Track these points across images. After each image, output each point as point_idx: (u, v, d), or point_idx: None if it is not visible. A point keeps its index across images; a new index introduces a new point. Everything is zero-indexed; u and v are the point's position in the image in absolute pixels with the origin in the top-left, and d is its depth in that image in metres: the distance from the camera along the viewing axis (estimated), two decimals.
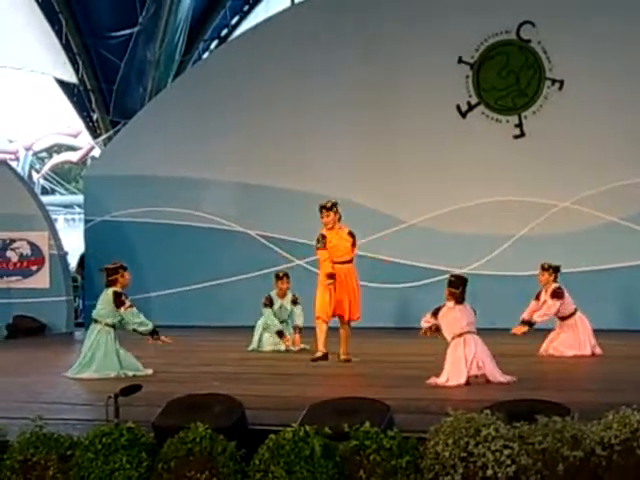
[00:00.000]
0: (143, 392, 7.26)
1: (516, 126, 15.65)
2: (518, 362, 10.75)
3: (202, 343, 14.17)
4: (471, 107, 15.85)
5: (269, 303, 12.97)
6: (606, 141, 15.02)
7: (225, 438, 6.37)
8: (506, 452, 5.87)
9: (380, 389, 8.99)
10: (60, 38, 21.92)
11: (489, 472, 5.85)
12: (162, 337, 10.76)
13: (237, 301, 15.35)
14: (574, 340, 11.82)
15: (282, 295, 13.05)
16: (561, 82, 15.41)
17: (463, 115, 15.87)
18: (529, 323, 11.67)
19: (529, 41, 15.54)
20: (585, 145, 15.10)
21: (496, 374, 9.44)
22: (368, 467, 6.14)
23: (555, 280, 12.07)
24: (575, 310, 11.98)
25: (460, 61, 15.81)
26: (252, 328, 13.17)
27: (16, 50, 23.05)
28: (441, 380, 9.38)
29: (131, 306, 10.61)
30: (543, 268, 12.13)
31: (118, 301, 10.54)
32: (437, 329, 9.80)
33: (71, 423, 7.53)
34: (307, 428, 6.24)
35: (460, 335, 9.51)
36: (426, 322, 9.87)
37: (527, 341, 12.05)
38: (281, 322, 13.00)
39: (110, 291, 10.61)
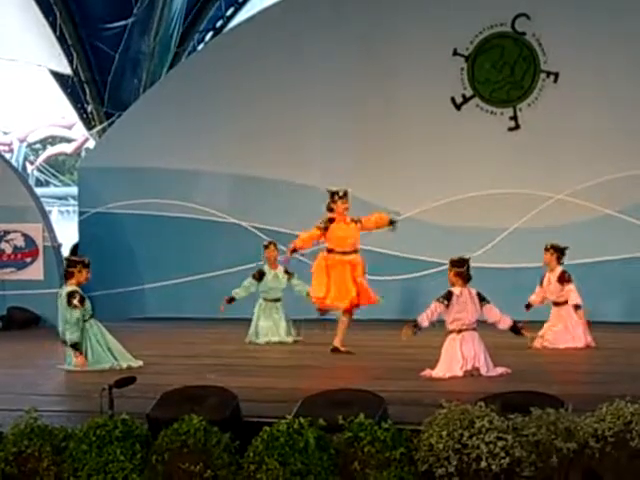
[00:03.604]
0: (137, 384, 7.26)
1: (511, 118, 15.64)
2: (512, 354, 10.76)
3: (196, 335, 14.17)
4: (466, 99, 15.84)
5: (258, 276, 12.95)
6: (601, 133, 15.01)
7: (219, 430, 6.38)
8: (500, 444, 5.89)
9: (374, 381, 9.01)
10: (54, 30, 21.86)
11: (483, 464, 5.86)
12: (79, 357, 10.28)
13: (231, 293, 15.32)
14: (567, 333, 11.82)
15: (273, 263, 13.02)
16: (556, 74, 15.40)
17: (458, 107, 15.85)
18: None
19: (524, 33, 15.53)
20: (580, 137, 15.10)
21: (490, 369, 9.45)
22: (362, 459, 6.15)
23: (559, 261, 12.02)
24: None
25: (455, 53, 15.79)
26: (247, 320, 13.18)
27: (10, 42, 22.99)
28: (437, 373, 9.39)
29: (75, 307, 10.33)
30: (546, 248, 12.09)
31: (70, 299, 10.35)
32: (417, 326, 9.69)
33: (65, 415, 7.54)
34: (301, 420, 6.25)
35: (459, 332, 9.50)
36: (432, 316, 9.74)
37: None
38: (276, 299, 12.97)
39: (64, 292, 10.46)
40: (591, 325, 11.94)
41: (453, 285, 9.64)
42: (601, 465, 5.84)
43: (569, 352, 11.52)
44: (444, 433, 5.98)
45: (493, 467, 5.85)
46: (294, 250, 11.65)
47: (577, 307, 11.81)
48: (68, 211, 31.05)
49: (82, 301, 10.42)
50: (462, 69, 15.82)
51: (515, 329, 9.97)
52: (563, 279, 11.89)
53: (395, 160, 15.88)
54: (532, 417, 6.02)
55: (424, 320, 9.56)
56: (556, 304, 11.98)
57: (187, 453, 6.28)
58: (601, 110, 15.03)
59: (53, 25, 21.81)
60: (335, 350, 11.29)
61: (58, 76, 23.34)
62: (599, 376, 9.68)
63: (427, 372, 9.43)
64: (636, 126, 14.88)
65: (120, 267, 16.71)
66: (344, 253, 11.46)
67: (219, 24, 24.42)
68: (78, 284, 10.53)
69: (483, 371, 9.41)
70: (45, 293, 16.17)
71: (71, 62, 22.32)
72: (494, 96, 15.76)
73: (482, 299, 9.65)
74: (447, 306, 9.53)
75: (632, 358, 10.75)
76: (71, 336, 10.32)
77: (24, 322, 15.86)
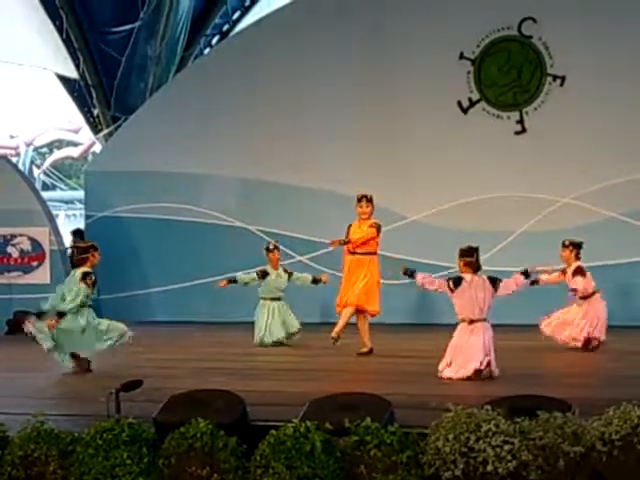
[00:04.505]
0: (144, 388, 7.27)
1: (517, 122, 15.63)
2: (519, 357, 10.77)
3: (203, 339, 14.18)
4: (472, 103, 15.83)
5: (262, 274, 13.11)
6: (607, 137, 15.00)
7: (226, 434, 6.38)
8: (507, 447, 5.88)
9: (381, 384, 9.01)
10: (61, 33, 21.88)
11: (489, 467, 5.86)
12: (52, 322, 10.46)
13: (238, 297, 15.30)
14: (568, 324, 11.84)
15: (275, 265, 13.22)
16: (563, 78, 15.40)
17: (464, 111, 15.85)
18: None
19: (531, 37, 15.52)
20: (586, 141, 15.08)
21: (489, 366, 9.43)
22: (369, 462, 6.15)
23: (577, 256, 12.04)
24: (594, 292, 11.97)
25: (461, 57, 15.79)
26: (253, 324, 13.18)
27: (17, 45, 23.02)
28: (450, 372, 9.35)
29: (88, 285, 10.53)
30: (564, 245, 12.13)
31: (85, 277, 10.54)
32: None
33: (72, 419, 7.54)
34: (308, 424, 6.25)
35: (471, 322, 9.47)
36: (437, 286, 9.75)
37: (528, 337, 12.06)
38: (278, 298, 13.10)
39: (79, 272, 10.61)
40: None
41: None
42: (608, 468, 5.83)
43: (575, 355, 11.51)
44: (451, 437, 5.98)
45: (500, 471, 5.85)
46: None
47: (573, 290, 11.85)
48: (75, 215, 31.11)
49: (94, 284, 10.67)
50: (469, 72, 15.82)
51: (526, 274, 9.99)
52: (576, 272, 11.90)
53: (401, 164, 15.87)
54: (539, 421, 6.01)
55: (425, 279, 9.73)
56: (583, 297, 11.95)
57: (194, 457, 6.28)
58: (607, 113, 15.02)
59: (60, 29, 21.83)
60: (361, 354, 11.48)
61: (64, 80, 23.37)
62: (606, 379, 9.67)
63: (443, 368, 9.40)
64: None
65: (127, 271, 16.74)
66: (354, 253, 11.64)
67: (225, 28, 24.44)
68: (92, 267, 10.72)
69: (493, 368, 9.37)
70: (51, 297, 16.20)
71: (77, 66, 22.34)
72: (500, 100, 15.75)
73: (494, 282, 9.63)
74: (452, 290, 9.53)
75: (637, 361, 10.73)
76: (68, 305, 10.43)
77: None
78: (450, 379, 9.32)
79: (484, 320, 9.51)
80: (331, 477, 6.15)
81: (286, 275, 13.24)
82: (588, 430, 5.93)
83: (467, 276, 9.57)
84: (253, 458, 6.28)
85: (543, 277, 12.09)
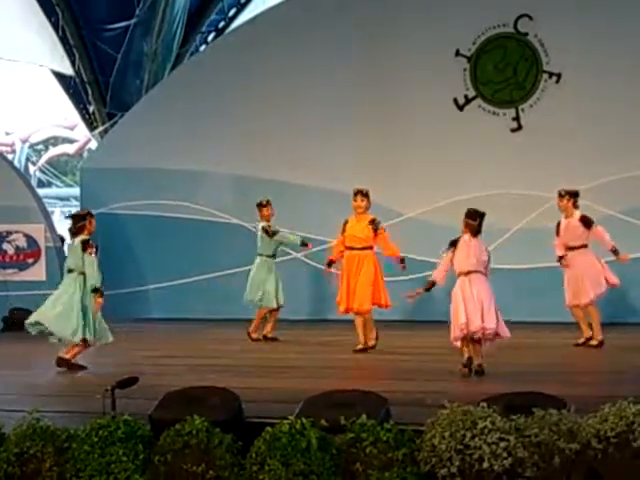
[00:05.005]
0: (140, 385, 7.27)
1: (513, 119, 15.64)
2: (515, 355, 10.77)
3: (199, 336, 14.17)
4: (468, 100, 15.83)
5: (270, 231, 13.19)
6: (603, 134, 15.01)
7: (222, 431, 6.38)
8: (502, 445, 5.88)
9: (377, 381, 9.01)
10: (57, 30, 21.89)
11: (485, 464, 5.86)
12: (98, 299, 10.52)
13: (234, 294, 15.31)
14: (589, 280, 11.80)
15: (268, 221, 13.29)
16: (558, 75, 15.40)
17: (460, 108, 15.85)
18: (615, 251, 11.64)
19: (526, 34, 15.52)
20: (582, 138, 15.08)
21: (493, 321, 9.37)
22: (365, 460, 6.14)
23: (575, 205, 11.98)
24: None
25: (457, 54, 15.80)
26: (249, 321, 13.19)
27: (13, 42, 23.02)
28: (462, 323, 9.30)
29: (91, 253, 10.61)
30: (560, 195, 12.06)
31: (86, 245, 10.61)
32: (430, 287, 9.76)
33: (68, 416, 7.54)
34: (304, 421, 6.24)
35: (467, 274, 9.49)
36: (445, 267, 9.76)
37: (524, 333, 12.06)
38: (273, 255, 13.25)
39: (78, 240, 10.68)
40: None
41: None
42: (603, 466, 5.83)
43: (572, 351, 11.52)
44: (447, 434, 5.97)
45: (495, 468, 5.85)
46: (330, 263, 11.89)
47: (615, 251, 11.85)
48: (70, 212, 31.05)
49: (96, 250, 10.77)
50: (464, 70, 15.82)
51: None
52: (588, 221, 11.86)
53: (397, 161, 15.88)
54: (534, 418, 6.01)
55: (439, 275, 9.71)
56: (573, 248, 11.91)
57: (189, 454, 6.27)
58: (603, 111, 15.02)
59: (55, 26, 21.83)
60: (356, 351, 11.49)
61: (60, 77, 23.37)
62: (602, 376, 9.68)
63: (455, 326, 9.37)
64: (638, 127, 14.87)
65: (123, 268, 16.72)
66: (352, 249, 11.62)
67: (221, 25, 24.45)
68: (90, 235, 10.78)
69: (488, 322, 9.34)
70: (47, 294, 16.16)
71: (73, 63, 22.35)
72: (496, 97, 15.76)
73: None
74: (454, 252, 9.55)
75: (635, 358, 10.74)
76: (94, 281, 10.57)
77: None
78: (484, 328, 9.28)
79: (480, 272, 9.51)
80: (327, 474, 6.14)
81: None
82: (583, 427, 5.93)
83: (465, 236, 9.62)
84: (249, 455, 6.28)
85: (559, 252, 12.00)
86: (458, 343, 9.42)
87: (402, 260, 11.83)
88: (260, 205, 13.33)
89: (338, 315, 12.16)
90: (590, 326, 11.83)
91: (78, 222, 10.86)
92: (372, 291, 11.57)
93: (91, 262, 10.62)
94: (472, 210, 9.82)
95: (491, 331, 9.33)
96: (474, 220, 9.70)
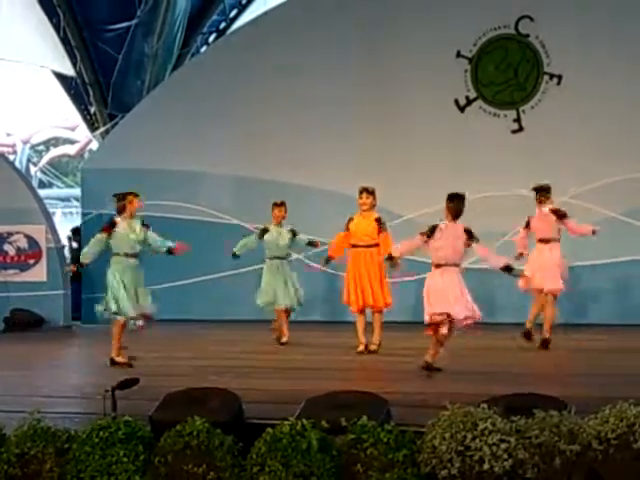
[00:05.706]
0: (140, 386, 7.27)
1: (514, 121, 15.64)
2: (515, 356, 10.76)
3: (200, 337, 14.17)
4: (469, 101, 15.84)
5: (261, 232, 13.01)
6: (604, 136, 15.01)
7: (222, 432, 6.38)
8: (503, 446, 5.88)
9: (377, 383, 9.01)
10: (58, 31, 21.88)
11: (486, 466, 5.85)
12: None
13: (235, 295, 15.34)
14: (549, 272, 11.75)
15: (278, 223, 13.02)
16: (559, 77, 15.41)
17: (461, 109, 15.86)
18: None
19: (527, 35, 15.53)
20: (583, 139, 15.09)
21: (464, 310, 9.38)
22: (365, 461, 6.14)
23: (542, 199, 11.89)
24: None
25: (458, 55, 15.80)
26: (249, 322, 13.17)
27: (14, 43, 23.01)
28: (429, 311, 9.35)
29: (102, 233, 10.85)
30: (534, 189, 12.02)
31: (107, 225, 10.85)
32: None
33: (68, 417, 7.54)
34: (304, 422, 6.24)
35: (438, 266, 9.48)
36: (410, 245, 9.79)
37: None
38: (279, 257, 12.96)
39: (139, 221, 10.92)
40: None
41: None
42: (604, 467, 5.83)
43: (572, 354, 11.51)
44: (447, 435, 5.97)
45: (496, 469, 5.85)
46: (328, 260, 11.84)
47: (594, 232, 11.82)
48: (71, 212, 31.07)
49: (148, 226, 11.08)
50: (466, 71, 15.83)
51: (508, 269, 9.85)
52: (561, 214, 11.81)
53: (398, 162, 15.87)
54: (535, 419, 6.01)
55: (396, 250, 9.77)
56: (544, 241, 11.87)
57: (190, 455, 6.27)
58: (604, 112, 15.03)
59: (57, 27, 21.82)
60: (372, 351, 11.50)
61: (61, 78, 23.36)
62: (602, 378, 9.66)
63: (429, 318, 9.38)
64: (639, 128, 14.87)
65: None
66: (357, 246, 11.62)
67: (222, 26, 24.44)
68: (131, 215, 10.88)
69: (455, 310, 9.33)
70: (48, 295, 16.21)
71: (74, 64, 22.33)
72: (497, 98, 15.76)
73: (471, 236, 9.62)
74: (426, 241, 9.53)
75: (635, 360, 10.74)
76: (168, 243, 11.16)
77: (27, 324, 15.87)
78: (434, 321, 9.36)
79: (455, 266, 9.50)
80: (327, 475, 6.14)
81: (289, 234, 12.99)
82: (584, 429, 5.93)
83: (442, 224, 9.58)
84: (249, 456, 6.28)
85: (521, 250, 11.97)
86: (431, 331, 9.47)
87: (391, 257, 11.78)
88: (275, 205, 13.12)
89: (340, 317, 12.11)
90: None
91: (118, 201, 10.97)
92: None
93: (153, 234, 10.97)
94: (450, 193, 9.85)
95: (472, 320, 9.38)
96: (450, 201, 9.73)
